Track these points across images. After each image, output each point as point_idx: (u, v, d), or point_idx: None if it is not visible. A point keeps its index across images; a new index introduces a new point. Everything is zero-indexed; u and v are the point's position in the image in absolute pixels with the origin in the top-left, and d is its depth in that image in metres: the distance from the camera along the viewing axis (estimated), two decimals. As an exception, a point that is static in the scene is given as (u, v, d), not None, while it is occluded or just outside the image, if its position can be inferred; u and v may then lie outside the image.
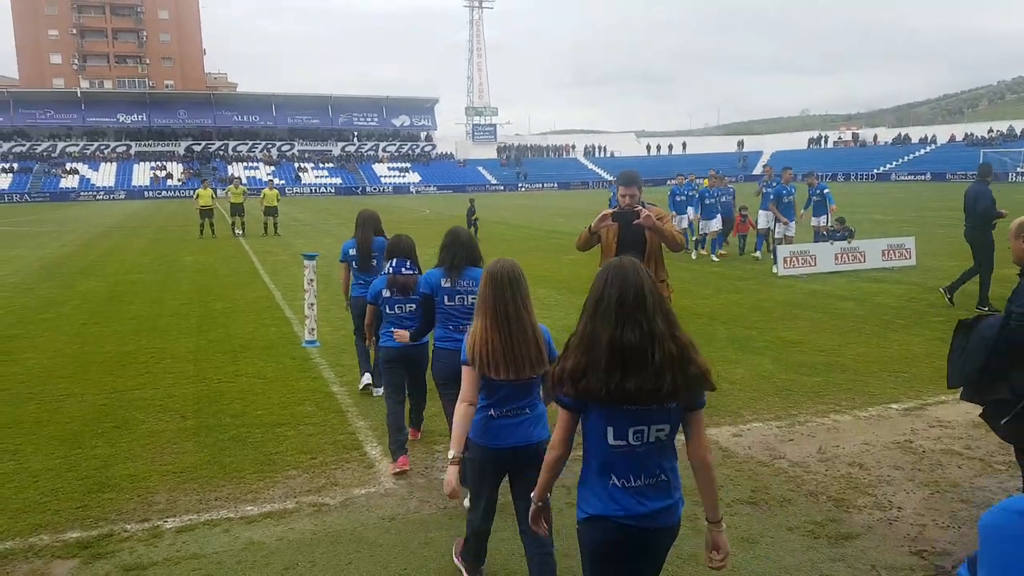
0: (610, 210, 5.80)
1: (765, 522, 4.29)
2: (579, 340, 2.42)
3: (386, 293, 5.30)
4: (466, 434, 3.30)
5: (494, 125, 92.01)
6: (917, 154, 72.22)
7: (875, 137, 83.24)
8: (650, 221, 5.52)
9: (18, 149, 72.30)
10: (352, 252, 6.91)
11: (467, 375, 3.27)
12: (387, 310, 5.31)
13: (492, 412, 3.31)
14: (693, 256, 16.47)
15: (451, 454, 3.26)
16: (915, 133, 78.80)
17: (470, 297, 4.49)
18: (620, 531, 2.43)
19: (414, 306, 5.09)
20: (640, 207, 5.62)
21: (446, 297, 4.60)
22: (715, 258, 16.10)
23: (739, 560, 3.87)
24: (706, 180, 18.60)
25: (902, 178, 65.47)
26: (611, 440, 2.40)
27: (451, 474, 3.21)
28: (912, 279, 12.74)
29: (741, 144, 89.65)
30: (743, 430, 5.78)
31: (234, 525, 4.43)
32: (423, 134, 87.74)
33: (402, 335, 4.94)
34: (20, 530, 4.37)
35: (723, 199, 16.83)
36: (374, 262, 6.72)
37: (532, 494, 2.73)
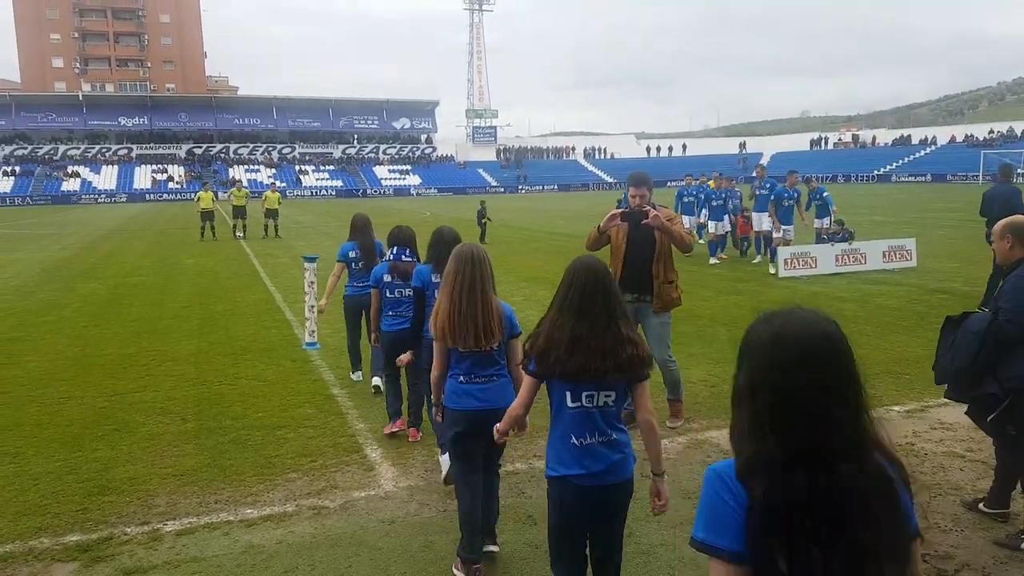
0: (619, 210, 5.80)
1: (766, 524, 4.27)
2: (549, 325, 2.92)
3: (387, 278, 5.80)
4: (440, 391, 3.83)
5: (494, 127, 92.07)
6: (917, 155, 72.21)
7: (873, 139, 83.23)
8: (658, 221, 5.52)
9: (20, 152, 72.42)
10: (353, 254, 7.22)
11: (435, 348, 3.76)
12: (387, 294, 5.80)
13: (461, 379, 3.73)
14: (713, 261, 15.78)
15: (434, 400, 3.91)
16: (915, 134, 78.80)
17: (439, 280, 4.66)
18: (579, 491, 2.90)
19: (412, 291, 5.27)
20: (649, 208, 5.61)
21: (436, 291, 4.56)
22: (714, 260, 15.87)
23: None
24: (712, 181, 18.32)
25: (903, 179, 65.46)
26: (569, 403, 2.91)
27: (435, 413, 3.95)
28: (913, 280, 12.73)
29: (743, 145, 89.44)
30: (744, 432, 5.76)
31: (234, 528, 4.42)
32: (423, 136, 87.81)
33: (403, 360, 5.30)
34: (20, 533, 4.37)
35: (732, 202, 16.56)
36: (376, 263, 6.79)
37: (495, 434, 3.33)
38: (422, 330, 4.84)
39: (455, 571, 3.85)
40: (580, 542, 3.04)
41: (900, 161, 71.35)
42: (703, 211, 16.90)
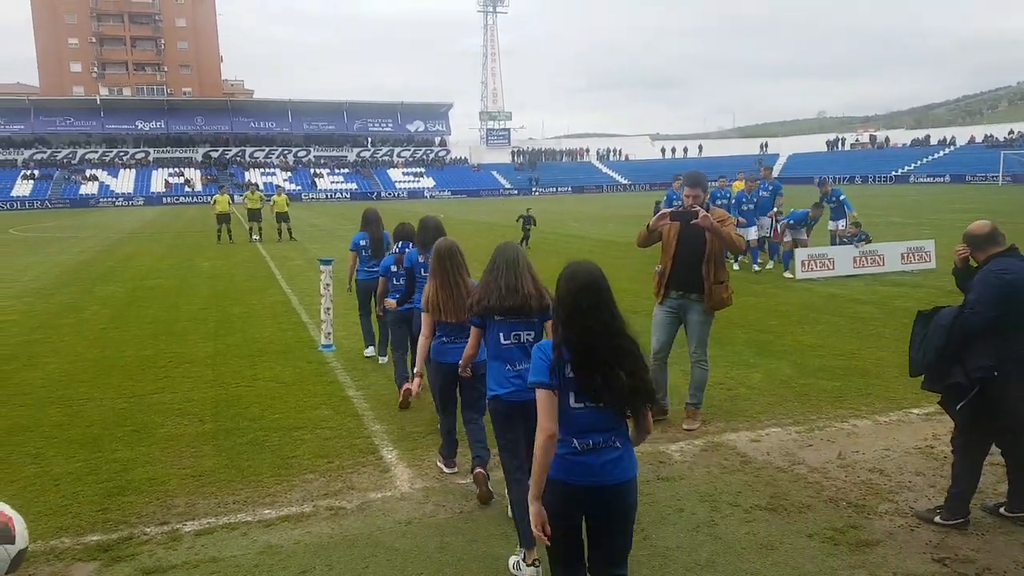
0: (668, 209, 5.87)
1: (784, 528, 4.25)
2: (484, 285, 4.14)
3: (393, 268, 6.93)
4: (424, 359, 5.00)
5: (508, 130, 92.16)
6: (936, 156, 71.48)
7: (886, 139, 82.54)
8: (708, 222, 5.54)
9: (39, 156, 73.31)
10: (363, 243, 8.37)
11: (423, 319, 4.94)
12: (394, 281, 6.89)
13: (444, 339, 4.93)
14: (756, 268, 14.65)
15: (416, 370, 5.02)
16: (934, 135, 78.05)
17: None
18: (508, 404, 4.04)
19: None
20: (699, 208, 5.64)
21: (422, 270, 5.94)
22: (756, 268, 14.67)
23: (757, 567, 3.84)
24: (736, 183, 17.15)
25: (921, 180, 64.81)
26: (501, 341, 4.10)
27: (415, 382, 5.00)
28: (932, 282, 12.59)
29: (764, 146, 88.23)
30: (761, 435, 5.74)
31: (252, 528, 4.45)
32: (437, 139, 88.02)
33: (389, 303, 6.59)
34: (42, 533, 4.42)
35: (765, 199, 15.36)
36: (383, 252, 8.06)
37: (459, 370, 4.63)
38: (411, 298, 6.26)
39: (439, 465, 5.29)
40: (515, 435, 4.08)
41: (918, 162, 70.68)
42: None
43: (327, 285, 9.02)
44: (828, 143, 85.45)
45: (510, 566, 3.89)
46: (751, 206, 14.92)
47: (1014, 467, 4.32)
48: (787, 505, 4.54)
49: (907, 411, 6.21)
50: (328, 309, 8.92)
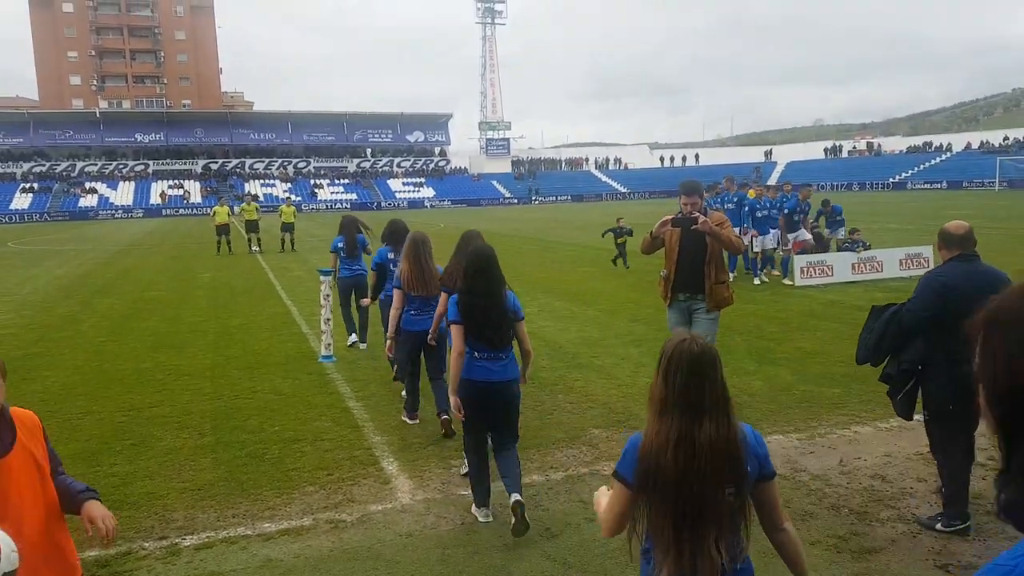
0: (669, 216, 6.11)
1: (786, 537, 4.23)
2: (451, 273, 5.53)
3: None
4: (395, 326, 6.31)
5: (507, 139, 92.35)
6: (933, 162, 71.68)
7: (879, 146, 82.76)
8: (707, 226, 5.79)
9: (38, 169, 73.42)
10: (340, 245, 9.65)
11: (396, 294, 6.30)
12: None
13: (411, 312, 6.29)
14: (756, 282, 14.08)
15: (388, 334, 6.44)
16: (931, 141, 78.27)
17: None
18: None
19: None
20: (698, 214, 5.89)
21: (391, 264, 7.38)
22: (758, 281, 14.09)
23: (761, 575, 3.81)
24: (752, 190, 16.36)
25: (918, 186, 64.97)
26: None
27: (388, 345, 6.55)
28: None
29: (769, 154, 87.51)
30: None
31: (251, 542, 4.43)
32: (437, 149, 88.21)
33: (364, 302, 8.24)
34: (40, 548, 4.38)
35: (774, 211, 14.71)
36: (358, 252, 9.65)
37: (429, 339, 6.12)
38: (379, 294, 7.76)
39: (404, 418, 6.57)
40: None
41: (915, 168, 70.89)
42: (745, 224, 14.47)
43: (327, 296, 9.02)
44: (826, 150, 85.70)
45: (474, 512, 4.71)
46: (765, 213, 14.45)
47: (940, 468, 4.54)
48: (789, 513, 4.48)
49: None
50: (328, 320, 8.90)
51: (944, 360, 4.34)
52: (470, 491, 4.84)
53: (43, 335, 11.21)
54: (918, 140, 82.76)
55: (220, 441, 6.19)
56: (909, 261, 14.27)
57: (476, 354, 4.54)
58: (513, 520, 4.29)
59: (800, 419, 6.25)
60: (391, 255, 7.46)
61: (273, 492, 5.13)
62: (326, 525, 4.62)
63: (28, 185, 69.61)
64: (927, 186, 64.38)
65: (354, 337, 9.62)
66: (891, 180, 68.13)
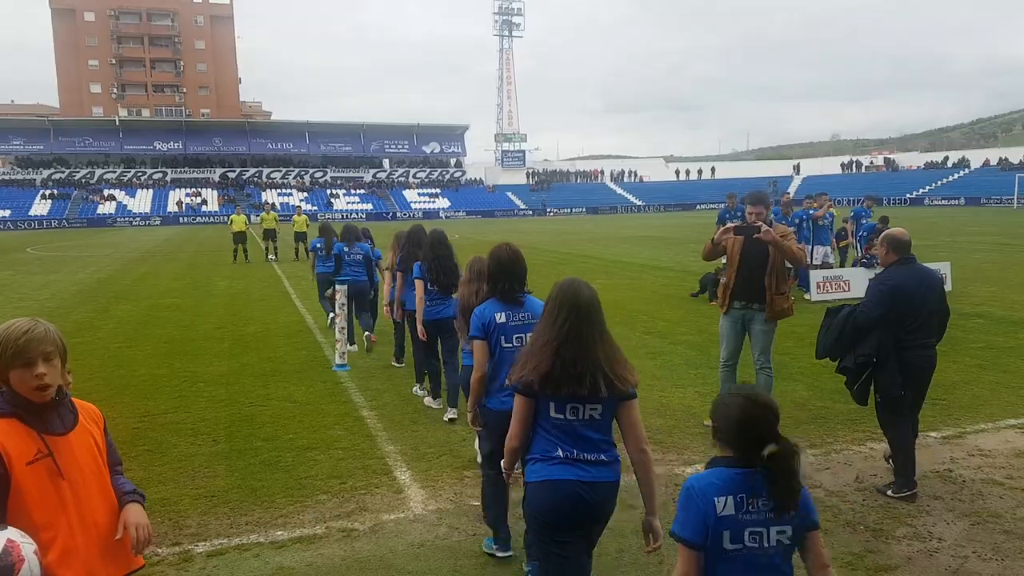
0: (733, 224, 6.27)
1: (801, 554, 4.19)
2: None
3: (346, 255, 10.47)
4: (422, 319, 6.91)
5: (523, 151, 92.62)
6: (950, 179, 71.12)
7: (893, 162, 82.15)
8: (770, 236, 5.89)
9: (57, 176, 74.33)
10: (319, 245, 11.68)
11: (416, 284, 6.97)
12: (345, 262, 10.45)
13: (429, 304, 6.84)
14: (807, 296, 13.42)
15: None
16: (950, 158, 77.70)
17: (357, 256, 10.36)
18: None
19: (360, 256, 10.45)
20: (761, 223, 5.98)
21: (347, 256, 10.30)
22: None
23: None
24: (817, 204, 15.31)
25: (936, 203, 64.46)
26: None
27: (420, 331, 6.96)
28: (949, 304, 12.44)
29: (797, 168, 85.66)
30: (777, 458, 5.67)
31: (264, 550, 4.44)
32: (453, 160, 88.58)
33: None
34: (55, 551, 4.42)
35: (821, 223, 14.43)
36: (333, 251, 10.91)
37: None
38: (339, 272, 10.18)
39: (427, 402, 7.38)
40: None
41: (933, 184, 70.36)
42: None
43: (342, 305, 9.06)
44: (843, 165, 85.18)
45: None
46: (825, 223, 14.30)
47: (895, 449, 5.08)
48: (804, 530, 4.47)
49: (925, 434, 6.11)
50: (343, 329, 8.95)
51: (894, 351, 4.91)
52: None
53: (61, 340, 11.31)
54: (936, 156, 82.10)
55: (234, 448, 6.22)
56: (927, 277, 14.09)
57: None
58: None
59: (815, 435, 6.21)
60: (347, 248, 10.39)
61: (286, 500, 5.15)
62: (338, 534, 4.63)
63: (48, 192, 70.48)
64: (944, 202, 63.86)
65: (332, 314, 10.53)
66: (908, 196, 67.63)
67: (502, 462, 3.33)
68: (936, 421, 6.47)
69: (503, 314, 4.04)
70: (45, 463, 2.29)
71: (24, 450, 2.27)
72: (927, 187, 69.79)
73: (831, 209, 15.21)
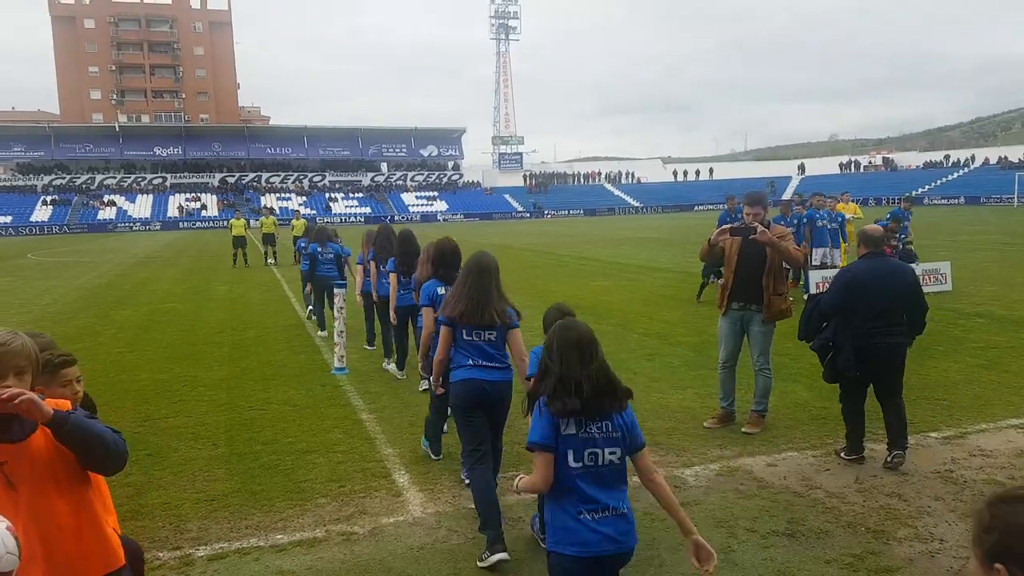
0: (729, 225, 6.25)
1: (802, 554, 4.18)
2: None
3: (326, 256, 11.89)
4: (393, 306, 8.05)
5: (520, 154, 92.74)
6: (950, 178, 71.17)
7: (892, 162, 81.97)
8: (766, 237, 5.88)
9: (58, 182, 74.46)
10: (303, 244, 13.63)
11: (391, 279, 8.01)
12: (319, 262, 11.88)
13: (401, 291, 7.92)
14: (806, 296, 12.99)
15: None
16: (950, 156, 77.71)
17: (329, 255, 11.65)
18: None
19: (332, 255, 11.78)
20: (757, 224, 5.96)
21: (320, 256, 11.65)
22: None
23: (775, 593, 3.77)
24: (839, 204, 15.55)
25: (935, 202, 64.46)
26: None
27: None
28: (949, 304, 12.46)
29: (802, 168, 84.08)
30: (778, 459, 5.67)
31: (264, 554, 4.44)
32: (450, 163, 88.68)
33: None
34: (55, 557, 4.41)
35: (832, 225, 14.23)
36: (308, 251, 12.24)
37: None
38: (314, 271, 11.84)
39: (391, 369, 8.85)
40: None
41: (932, 184, 70.41)
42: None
43: (340, 308, 9.06)
44: (841, 165, 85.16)
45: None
46: (824, 223, 14.10)
47: (883, 414, 5.59)
48: (805, 531, 4.47)
49: (925, 435, 6.12)
50: (341, 332, 8.94)
51: (850, 336, 5.37)
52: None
53: (61, 346, 11.27)
54: (936, 156, 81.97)
55: (234, 452, 6.22)
56: (927, 277, 14.05)
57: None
58: None
59: (816, 436, 6.20)
60: (320, 248, 11.84)
61: (286, 503, 5.15)
62: (338, 537, 4.62)
63: (48, 198, 70.56)
64: (944, 202, 63.88)
65: (310, 309, 12.74)
66: (907, 195, 67.59)
67: (431, 377, 5.02)
68: (937, 421, 6.47)
69: (443, 288, 5.30)
70: (1, 472, 2.26)
71: None
72: (927, 186, 69.83)
73: (840, 208, 15.05)
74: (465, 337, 4.62)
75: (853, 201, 14.54)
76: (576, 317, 3.58)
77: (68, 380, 3.07)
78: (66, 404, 2.45)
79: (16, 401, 2.16)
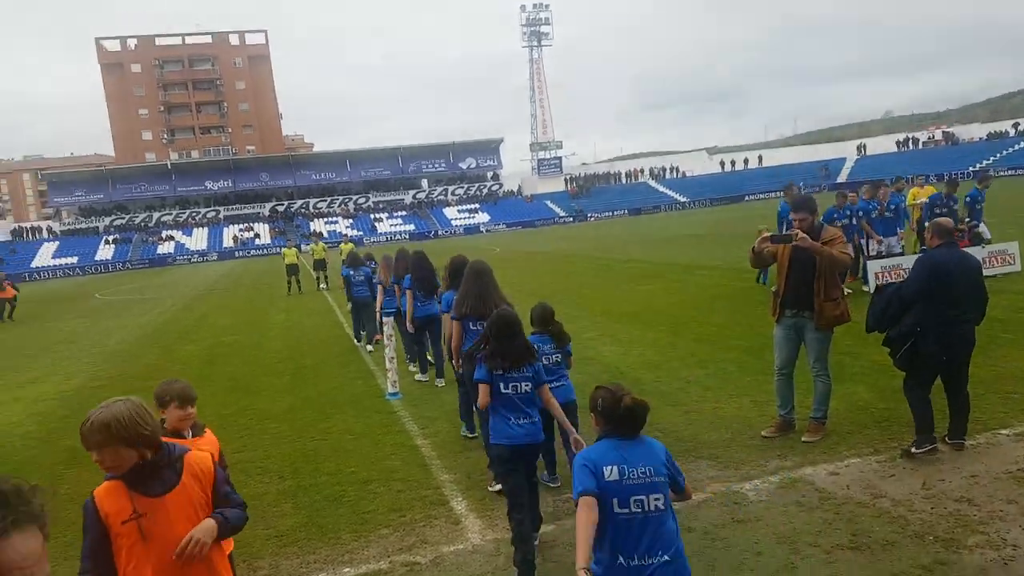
0: (769, 234, 6.23)
1: (868, 568, 4.10)
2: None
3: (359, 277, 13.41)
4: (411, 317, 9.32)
5: (559, 158, 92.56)
6: (1017, 147, 68.00)
7: (953, 135, 78.86)
8: (807, 243, 5.85)
9: (118, 222, 77.59)
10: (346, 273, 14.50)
11: (407, 295, 9.25)
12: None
13: (417, 303, 9.13)
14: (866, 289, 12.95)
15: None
16: (1017, 124, 74.14)
17: (360, 278, 13.18)
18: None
19: (363, 277, 13.19)
20: (796, 231, 5.93)
21: (353, 278, 13.34)
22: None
23: (843, 611, 3.70)
24: (914, 189, 14.99)
25: (1001, 174, 61.59)
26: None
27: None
28: (1018, 287, 11.95)
29: (863, 148, 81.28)
30: (840, 467, 5.55)
31: (332, 589, 4.55)
32: (489, 174, 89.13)
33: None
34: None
35: (887, 214, 13.81)
36: (341, 274, 14.09)
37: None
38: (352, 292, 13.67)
39: (413, 369, 10.15)
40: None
41: (997, 155, 67.39)
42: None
43: (390, 336, 9.23)
44: (898, 143, 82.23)
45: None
46: (877, 213, 13.68)
47: (950, 401, 5.67)
48: (870, 543, 4.38)
49: (995, 432, 5.91)
50: (392, 359, 9.11)
51: (935, 323, 5.44)
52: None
53: (130, 386, 11.76)
54: (1000, 126, 78.15)
55: (300, 485, 6.39)
56: (993, 259, 13.35)
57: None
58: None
59: (879, 440, 6.03)
60: (352, 271, 13.49)
61: (351, 535, 5.27)
62: (402, 568, 4.72)
63: (110, 237, 73.64)
64: (1012, 173, 60.92)
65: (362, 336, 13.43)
66: (971, 169, 64.74)
67: (452, 360, 6.56)
68: (1008, 417, 6.23)
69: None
70: (137, 524, 2.52)
71: (120, 510, 2.52)
72: (991, 158, 66.93)
73: (896, 190, 14.59)
74: (472, 327, 5.91)
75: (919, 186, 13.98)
76: (555, 316, 5.67)
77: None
78: (209, 469, 2.79)
79: (199, 549, 2.55)
